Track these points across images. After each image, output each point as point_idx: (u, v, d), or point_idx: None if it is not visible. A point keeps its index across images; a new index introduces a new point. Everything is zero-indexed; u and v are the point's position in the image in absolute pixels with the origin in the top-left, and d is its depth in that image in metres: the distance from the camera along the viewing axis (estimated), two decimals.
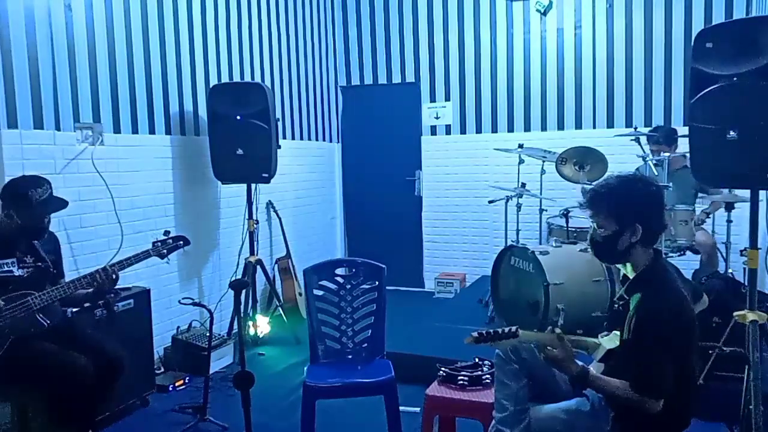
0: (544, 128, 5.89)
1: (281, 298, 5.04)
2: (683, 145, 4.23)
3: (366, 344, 3.09)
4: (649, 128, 4.92)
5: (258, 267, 4.65)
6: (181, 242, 3.08)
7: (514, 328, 2.06)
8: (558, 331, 2.04)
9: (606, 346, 2.10)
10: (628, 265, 2.12)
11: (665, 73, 5.44)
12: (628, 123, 5.46)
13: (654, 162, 4.30)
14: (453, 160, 6.25)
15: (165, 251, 3.02)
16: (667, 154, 4.25)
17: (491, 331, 2.04)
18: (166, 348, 4.13)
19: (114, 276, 2.83)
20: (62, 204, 2.85)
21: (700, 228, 4.33)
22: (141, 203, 4.01)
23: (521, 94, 5.93)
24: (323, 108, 6.40)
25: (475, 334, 2.03)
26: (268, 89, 4.34)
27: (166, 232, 3.11)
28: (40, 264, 2.79)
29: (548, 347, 2.00)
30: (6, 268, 2.68)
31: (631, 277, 2.13)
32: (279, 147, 4.43)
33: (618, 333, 2.09)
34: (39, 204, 2.72)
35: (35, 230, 2.79)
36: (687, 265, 4.44)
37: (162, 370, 4.03)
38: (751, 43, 2.51)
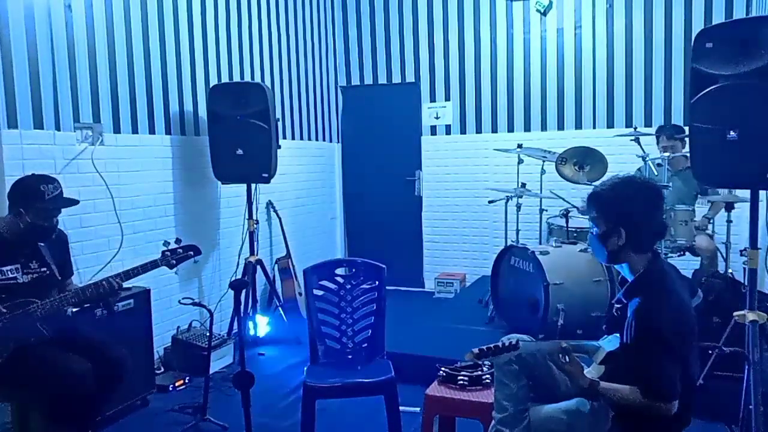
0: (544, 128, 5.89)
1: (281, 298, 5.04)
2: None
3: (366, 344, 3.08)
4: (650, 128, 4.92)
5: (258, 267, 4.65)
6: (192, 252, 2.97)
7: (514, 340, 2.06)
8: (564, 344, 2.04)
9: (606, 348, 2.10)
10: (625, 266, 2.12)
11: (665, 73, 5.44)
12: (628, 123, 5.46)
13: (656, 162, 4.29)
14: (453, 160, 6.25)
15: (174, 261, 2.91)
16: (667, 154, 4.25)
17: (491, 346, 2.04)
18: (166, 348, 4.13)
19: (117, 287, 2.79)
20: (73, 201, 2.83)
21: (702, 233, 4.32)
22: (141, 203, 4.01)
23: (521, 94, 5.93)
24: (323, 108, 6.40)
25: (475, 350, 2.03)
26: (268, 89, 4.34)
27: (178, 240, 2.99)
28: (44, 270, 2.77)
29: (558, 354, 2.00)
30: (10, 275, 2.65)
31: (629, 280, 2.13)
32: (279, 147, 4.43)
33: (618, 335, 2.09)
34: (51, 199, 2.68)
35: (44, 230, 2.73)
36: (687, 265, 4.44)
37: (162, 370, 4.02)
38: (751, 43, 2.51)
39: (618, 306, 2.16)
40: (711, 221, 4.45)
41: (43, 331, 2.65)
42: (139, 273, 2.85)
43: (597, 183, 2.22)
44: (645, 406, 1.91)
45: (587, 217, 2.22)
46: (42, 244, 2.82)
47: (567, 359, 2.01)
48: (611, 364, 2.07)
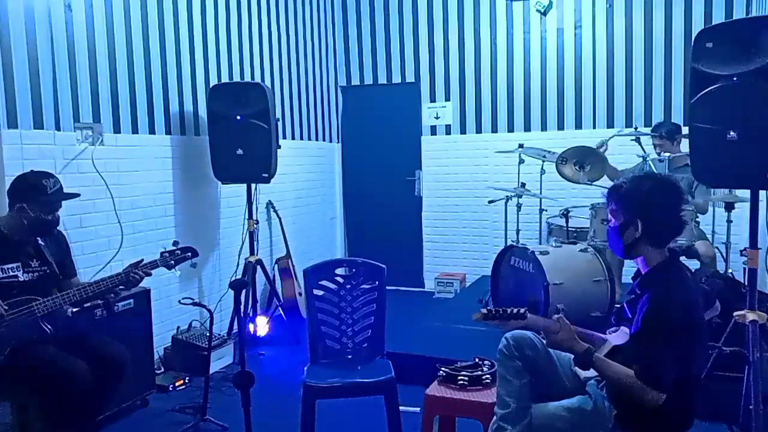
0: (544, 128, 5.89)
1: (281, 298, 5.04)
2: (684, 145, 4.24)
3: (366, 344, 3.08)
4: (650, 128, 4.91)
5: (258, 267, 4.65)
6: (189, 254, 3.04)
7: (523, 309, 2.05)
8: (556, 316, 2.05)
9: (613, 341, 2.10)
10: (641, 261, 2.13)
11: (665, 73, 5.44)
12: (628, 123, 5.46)
13: (656, 161, 4.29)
14: (453, 160, 6.25)
15: (173, 262, 2.98)
16: (667, 154, 4.24)
17: (500, 309, 2.04)
18: (166, 348, 4.13)
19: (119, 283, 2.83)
20: (74, 194, 2.87)
21: (701, 237, 4.30)
22: (141, 203, 4.01)
23: (521, 94, 5.93)
24: (323, 108, 6.41)
25: (484, 310, 2.04)
26: (268, 89, 4.34)
27: (175, 243, 3.07)
28: (45, 268, 2.78)
29: (551, 333, 2.01)
30: (11, 273, 2.66)
31: (643, 272, 2.13)
32: (279, 147, 4.43)
33: (626, 330, 2.09)
34: (53, 192, 2.71)
35: (47, 223, 2.75)
36: (687, 265, 4.43)
37: (162, 370, 4.02)
38: (751, 43, 2.51)
39: (630, 298, 2.16)
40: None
41: (46, 329, 2.65)
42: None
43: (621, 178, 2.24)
44: (634, 388, 1.91)
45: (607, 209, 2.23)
46: (42, 242, 2.82)
47: (559, 326, 2.00)
48: (617, 357, 2.07)
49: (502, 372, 2.25)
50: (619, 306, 2.40)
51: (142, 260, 2.89)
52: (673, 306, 1.94)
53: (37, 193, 2.68)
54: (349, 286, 3.09)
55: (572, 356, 2.06)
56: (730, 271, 4.08)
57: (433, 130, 6.34)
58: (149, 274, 2.89)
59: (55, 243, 2.92)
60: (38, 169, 2.84)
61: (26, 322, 2.59)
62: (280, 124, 4.72)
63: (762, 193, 2.86)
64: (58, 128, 3.46)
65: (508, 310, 2.03)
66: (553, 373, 2.26)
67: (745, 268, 2.89)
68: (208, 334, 3.59)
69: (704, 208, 4.40)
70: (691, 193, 4.40)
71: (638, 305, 2.05)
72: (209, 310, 3.47)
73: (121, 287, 2.90)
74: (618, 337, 2.11)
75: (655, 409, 1.92)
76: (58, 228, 2.92)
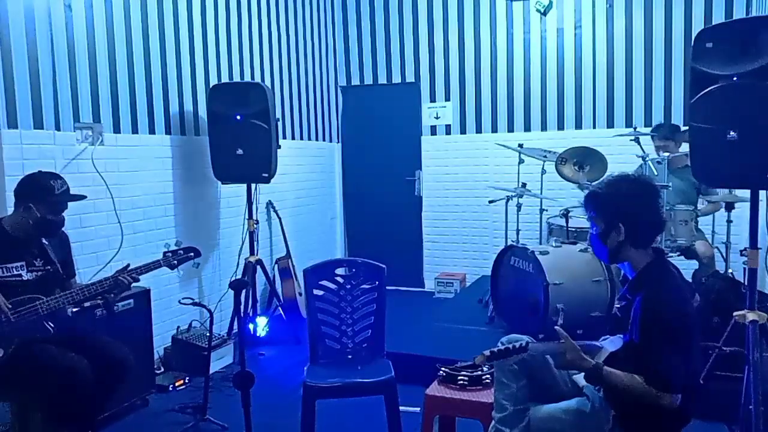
0: (544, 128, 5.89)
1: (281, 298, 5.04)
2: (684, 145, 4.24)
3: (366, 344, 3.08)
4: (650, 128, 4.91)
5: (258, 267, 4.65)
6: (192, 254, 3.06)
7: (524, 343, 2.06)
8: (560, 332, 2.05)
9: (608, 348, 2.10)
10: (627, 265, 2.13)
11: (665, 73, 5.44)
12: (628, 123, 5.47)
13: (655, 161, 4.29)
14: (453, 160, 6.25)
15: (175, 262, 3.00)
16: (666, 154, 4.24)
17: (502, 348, 2.04)
18: (166, 348, 4.13)
19: (128, 282, 2.84)
20: (80, 196, 2.88)
21: (700, 238, 4.30)
22: (141, 203, 4.01)
23: (521, 94, 5.93)
24: (323, 108, 6.41)
25: (486, 353, 2.03)
26: (268, 89, 4.34)
27: (178, 243, 3.09)
28: (49, 268, 2.79)
29: (559, 355, 2.00)
30: (15, 272, 2.67)
31: (630, 277, 2.13)
32: (279, 147, 4.43)
33: (620, 336, 2.09)
34: (61, 193, 2.73)
35: (53, 224, 2.77)
36: (687, 265, 4.44)
37: (162, 370, 4.03)
38: (751, 43, 2.51)
39: (621, 304, 2.16)
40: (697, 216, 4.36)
41: (49, 328, 2.65)
42: (141, 272, 2.89)
43: (594, 184, 2.23)
44: (647, 395, 1.90)
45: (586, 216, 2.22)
46: (46, 242, 2.83)
47: (563, 348, 2.00)
48: (613, 364, 2.07)
49: (499, 376, 2.26)
50: (612, 317, 2.39)
51: (128, 265, 2.89)
52: (667, 307, 1.94)
53: (45, 193, 2.69)
54: (349, 286, 3.09)
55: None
56: (730, 271, 4.07)
57: (433, 130, 6.34)
58: (137, 280, 2.88)
59: (59, 243, 2.93)
60: (45, 170, 2.85)
61: (30, 321, 2.59)
62: (280, 124, 4.72)
63: (762, 193, 2.86)
64: (58, 128, 3.46)
65: (510, 347, 2.03)
66: (549, 375, 2.26)
67: (745, 268, 2.88)
68: (208, 334, 3.60)
69: (714, 209, 4.41)
70: (699, 191, 4.41)
71: (631, 310, 2.05)
72: (209, 310, 3.47)
73: (111, 294, 2.89)
74: (612, 343, 2.11)
75: (655, 408, 1.91)
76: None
